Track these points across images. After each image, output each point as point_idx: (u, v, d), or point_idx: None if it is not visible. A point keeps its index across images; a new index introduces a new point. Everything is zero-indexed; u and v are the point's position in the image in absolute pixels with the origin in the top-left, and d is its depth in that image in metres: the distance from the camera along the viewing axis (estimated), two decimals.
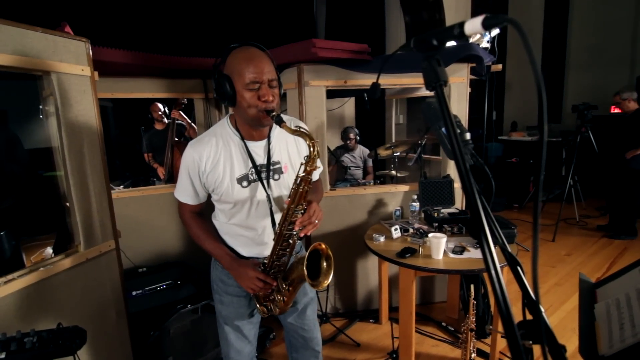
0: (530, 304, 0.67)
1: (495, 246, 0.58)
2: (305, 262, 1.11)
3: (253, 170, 1.23)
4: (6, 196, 2.06)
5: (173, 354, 1.91)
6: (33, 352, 0.98)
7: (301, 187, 1.14)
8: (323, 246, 1.19)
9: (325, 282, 1.18)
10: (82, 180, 1.54)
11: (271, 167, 1.26)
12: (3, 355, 0.94)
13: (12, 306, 1.28)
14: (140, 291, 2.10)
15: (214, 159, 1.20)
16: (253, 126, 1.21)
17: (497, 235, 0.69)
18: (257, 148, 1.25)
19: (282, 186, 1.28)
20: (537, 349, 0.62)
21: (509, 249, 0.73)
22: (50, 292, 1.41)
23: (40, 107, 1.78)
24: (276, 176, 1.27)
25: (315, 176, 1.47)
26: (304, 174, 1.12)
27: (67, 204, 1.56)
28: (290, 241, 1.21)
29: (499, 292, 0.47)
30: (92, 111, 1.58)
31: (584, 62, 6.34)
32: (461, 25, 0.49)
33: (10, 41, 1.27)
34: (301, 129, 1.11)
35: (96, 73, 1.61)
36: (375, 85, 0.87)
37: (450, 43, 2.14)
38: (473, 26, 0.48)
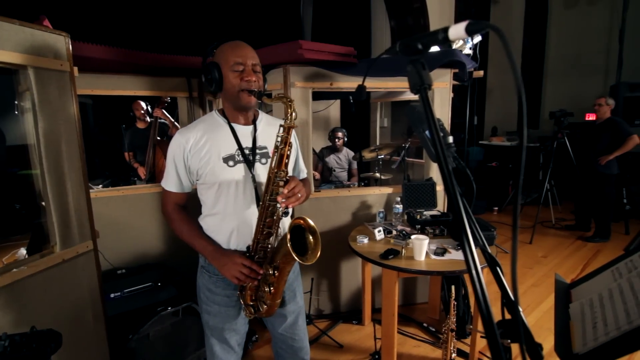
0: (509, 303, 0.69)
1: (475, 248, 0.60)
2: (288, 236, 1.10)
3: (239, 151, 1.25)
4: None
5: (153, 357, 1.87)
6: (5, 357, 0.94)
7: (282, 149, 1.17)
8: (302, 221, 1.18)
9: (314, 256, 1.16)
10: (59, 179, 1.49)
11: (258, 151, 1.28)
12: None
13: None
14: (119, 293, 2.04)
15: (199, 140, 1.23)
16: (238, 109, 1.26)
17: (478, 237, 0.71)
18: (244, 132, 1.29)
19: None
20: (515, 348, 0.64)
21: (489, 251, 0.75)
22: (24, 294, 1.36)
23: (16, 102, 1.72)
24: (263, 160, 1.29)
25: (303, 174, 1.48)
26: (283, 133, 1.17)
27: (43, 203, 1.50)
28: (275, 217, 1.20)
29: (480, 292, 0.48)
30: (71, 108, 1.54)
31: (561, 71, 6.57)
32: (445, 30, 0.51)
33: None
34: (278, 94, 1.19)
35: (76, 69, 1.56)
36: (361, 87, 0.87)
37: (434, 49, 2.18)
38: (457, 31, 0.49)
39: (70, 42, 1.52)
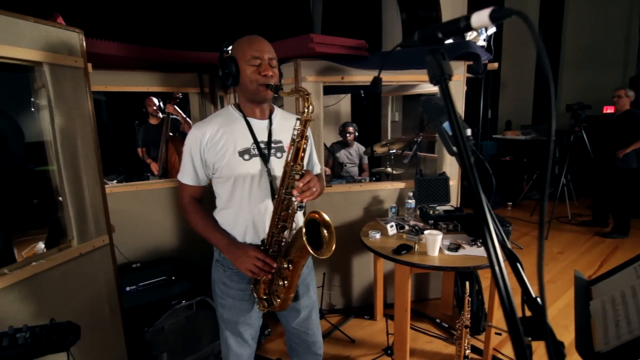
0: (530, 300, 0.67)
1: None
2: (304, 230, 1.10)
3: (255, 145, 1.25)
4: None
5: (167, 350, 1.90)
6: (26, 348, 0.96)
7: (298, 142, 1.17)
8: (317, 215, 1.19)
9: (329, 251, 1.16)
10: (76, 174, 1.51)
11: (273, 145, 1.29)
12: None
13: (4, 301, 1.26)
14: (134, 287, 2.08)
15: (216, 134, 1.24)
16: (254, 102, 1.27)
17: (497, 232, 0.69)
18: (260, 126, 1.29)
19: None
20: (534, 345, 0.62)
21: (509, 246, 0.73)
22: (43, 287, 1.39)
23: (32, 99, 1.75)
24: (279, 154, 1.29)
25: (317, 169, 1.49)
26: (300, 126, 1.18)
27: (60, 199, 1.53)
28: (289, 210, 1.20)
29: (503, 289, 0.46)
30: (86, 104, 1.56)
31: (578, 63, 6.39)
32: (468, 18, 0.49)
33: (2, 30, 1.24)
34: (295, 88, 1.19)
35: (90, 65, 1.57)
36: (377, 79, 0.86)
37: (448, 40, 2.14)
38: (480, 19, 0.47)
39: (84, 39, 1.53)
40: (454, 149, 0.77)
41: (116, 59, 2.18)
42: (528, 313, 0.68)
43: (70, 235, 1.52)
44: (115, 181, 3.48)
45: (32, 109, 1.82)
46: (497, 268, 0.46)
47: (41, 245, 2.41)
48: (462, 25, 0.50)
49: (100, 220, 1.63)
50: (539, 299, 0.67)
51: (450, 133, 0.84)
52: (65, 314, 1.42)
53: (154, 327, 1.84)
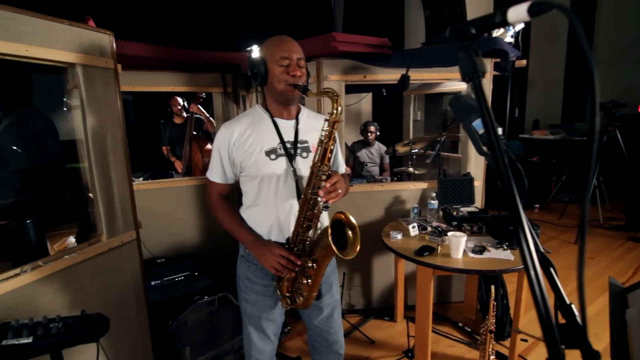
0: (564, 307, 0.64)
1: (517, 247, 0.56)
2: (329, 230, 1.11)
3: (281, 145, 1.27)
4: (32, 185, 2.12)
5: (190, 344, 1.94)
6: (58, 338, 1.00)
7: (326, 143, 1.18)
8: (342, 216, 1.19)
9: (353, 251, 1.16)
10: (106, 171, 1.56)
11: (299, 145, 1.29)
12: (30, 340, 0.96)
13: (39, 292, 1.32)
14: (159, 281, 2.13)
15: (244, 133, 1.26)
16: (282, 103, 1.28)
17: (531, 235, 0.67)
18: (286, 126, 1.30)
19: (310, 165, 1.28)
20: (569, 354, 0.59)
21: (542, 250, 0.70)
22: (75, 279, 1.44)
23: (65, 99, 1.82)
24: (304, 154, 1.30)
25: (342, 168, 1.49)
26: (328, 127, 1.18)
27: (90, 195, 1.59)
28: (315, 210, 1.21)
29: (539, 294, 0.44)
30: (115, 104, 1.61)
31: (611, 58, 6.08)
32: (504, 12, 0.47)
33: (38, 33, 1.29)
34: (324, 89, 1.18)
35: (119, 66, 1.62)
36: (405, 77, 0.84)
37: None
38: (518, 13, 0.45)
39: (114, 41, 1.58)
40: (485, 148, 0.75)
41: (143, 59, 2.24)
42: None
43: (100, 230, 1.57)
44: (141, 178, 3.58)
45: (65, 109, 1.90)
46: (532, 272, 0.44)
47: (72, 240, 2.51)
48: (497, 20, 0.48)
49: (128, 216, 1.68)
50: (573, 306, 0.64)
51: (479, 132, 0.82)
52: (94, 306, 1.47)
53: (177, 321, 1.88)
